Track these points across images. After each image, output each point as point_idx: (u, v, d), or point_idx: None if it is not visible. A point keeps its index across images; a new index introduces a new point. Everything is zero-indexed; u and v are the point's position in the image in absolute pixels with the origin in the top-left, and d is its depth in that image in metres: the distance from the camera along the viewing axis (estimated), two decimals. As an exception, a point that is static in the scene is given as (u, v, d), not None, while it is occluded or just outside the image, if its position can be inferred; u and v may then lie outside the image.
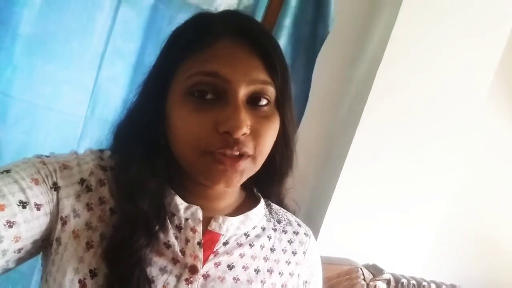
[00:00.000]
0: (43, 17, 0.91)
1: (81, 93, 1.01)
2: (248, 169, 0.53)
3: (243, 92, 0.50)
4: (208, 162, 0.51)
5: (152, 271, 0.51)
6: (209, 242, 0.56)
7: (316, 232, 1.31)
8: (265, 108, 0.53)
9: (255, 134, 0.51)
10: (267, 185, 0.67)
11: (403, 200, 1.39)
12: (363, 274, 1.25)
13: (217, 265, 0.55)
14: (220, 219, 0.58)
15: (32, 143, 0.94)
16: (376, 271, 1.28)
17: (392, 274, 1.29)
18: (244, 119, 0.48)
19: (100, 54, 1.01)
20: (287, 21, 1.24)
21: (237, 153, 0.50)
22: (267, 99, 0.52)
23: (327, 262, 1.22)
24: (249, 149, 0.51)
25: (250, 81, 0.50)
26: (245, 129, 0.49)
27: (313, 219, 1.36)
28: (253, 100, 0.52)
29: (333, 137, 1.43)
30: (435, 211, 1.42)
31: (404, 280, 1.29)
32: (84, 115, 1.02)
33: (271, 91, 0.52)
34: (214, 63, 0.49)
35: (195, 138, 0.50)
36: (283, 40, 1.24)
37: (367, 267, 1.30)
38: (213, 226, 0.57)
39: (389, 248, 1.40)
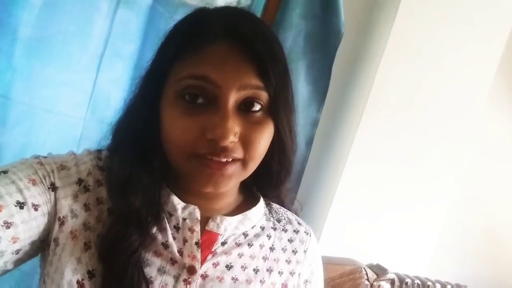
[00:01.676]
0: (42, 19, 0.91)
1: (81, 95, 1.01)
2: (237, 173, 0.52)
3: (233, 98, 0.48)
4: (196, 165, 0.50)
5: (150, 271, 0.51)
6: (207, 242, 0.55)
7: (318, 232, 1.30)
8: (258, 114, 0.51)
9: (245, 140, 0.50)
10: (265, 189, 0.66)
11: (406, 198, 1.38)
12: (366, 274, 1.24)
13: (215, 265, 0.55)
14: (218, 218, 0.57)
15: (32, 146, 0.94)
16: (380, 271, 1.27)
17: (396, 274, 1.28)
18: (231, 128, 0.47)
19: (99, 56, 1.01)
20: (291, 16, 1.21)
21: (224, 160, 0.49)
22: (260, 104, 0.51)
23: (330, 262, 1.21)
24: (238, 154, 0.50)
25: (241, 86, 0.48)
26: (232, 138, 0.48)
27: (315, 219, 1.35)
28: (246, 105, 0.50)
29: (336, 135, 1.43)
30: (439, 209, 1.41)
31: (408, 280, 1.28)
32: (84, 117, 1.02)
33: (264, 96, 0.50)
34: (204, 67, 0.48)
35: (183, 142, 0.49)
36: (288, 35, 1.22)
37: (371, 267, 1.29)
38: (211, 226, 0.56)
39: (393, 248, 1.39)
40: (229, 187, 0.54)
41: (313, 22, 1.25)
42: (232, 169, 0.51)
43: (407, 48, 1.30)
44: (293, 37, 1.23)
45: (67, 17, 0.95)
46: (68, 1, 0.95)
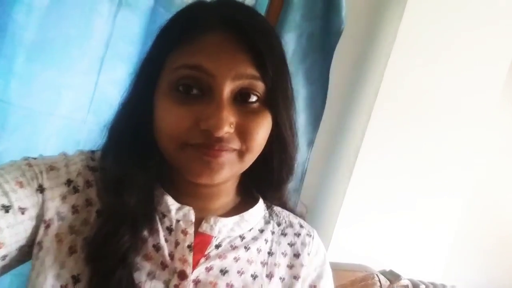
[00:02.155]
0: (42, 22, 0.90)
1: (82, 97, 1.00)
2: (233, 163, 0.50)
3: (228, 87, 0.47)
4: (190, 154, 0.48)
5: (139, 276, 0.48)
6: (200, 245, 0.52)
7: (328, 238, 1.27)
8: (255, 105, 0.50)
9: (242, 131, 0.48)
10: (266, 189, 0.63)
11: (419, 202, 1.34)
12: (379, 281, 1.20)
13: (208, 269, 0.51)
14: (212, 220, 0.54)
15: (33, 150, 0.93)
16: (393, 277, 1.23)
17: (410, 280, 1.24)
18: (225, 119, 0.45)
19: (100, 58, 1.00)
20: (294, 17, 1.22)
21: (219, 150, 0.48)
22: (256, 95, 0.49)
23: (341, 269, 1.17)
24: (234, 145, 0.48)
25: (236, 76, 0.47)
26: (227, 128, 0.46)
27: (325, 224, 1.32)
28: (242, 96, 0.49)
29: (344, 136, 1.39)
30: (453, 212, 1.37)
31: (423, 286, 1.24)
32: (85, 119, 1.01)
33: (260, 86, 0.49)
34: (199, 57, 0.47)
35: (175, 131, 0.48)
36: (291, 36, 1.22)
37: (384, 273, 1.25)
38: (204, 227, 0.53)
39: (406, 253, 1.35)
40: (225, 177, 0.51)
41: (315, 22, 1.25)
42: (228, 157, 0.49)
43: (417, 37, 1.27)
44: (296, 38, 1.24)
45: (68, 20, 0.95)
46: (69, 4, 0.94)
